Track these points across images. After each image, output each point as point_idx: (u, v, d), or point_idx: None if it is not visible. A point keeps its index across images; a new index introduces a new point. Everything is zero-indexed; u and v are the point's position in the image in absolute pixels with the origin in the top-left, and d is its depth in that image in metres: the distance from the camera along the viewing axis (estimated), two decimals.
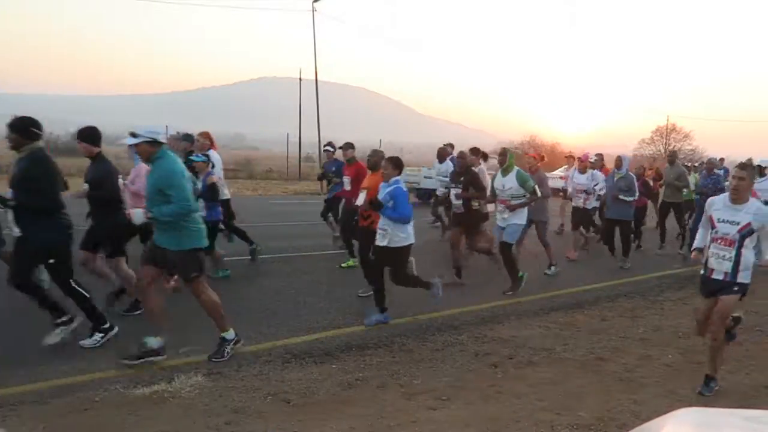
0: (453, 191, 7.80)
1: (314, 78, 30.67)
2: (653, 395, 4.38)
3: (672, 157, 11.99)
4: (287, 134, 32.72)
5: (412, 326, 5.97)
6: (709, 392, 4.48)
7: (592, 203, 10.08)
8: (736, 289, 4.42)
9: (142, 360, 4.59)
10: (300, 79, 35.93)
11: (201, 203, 6.38)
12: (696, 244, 4.83)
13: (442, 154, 10.71)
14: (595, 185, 9.96)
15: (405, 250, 5.98)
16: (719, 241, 4.44)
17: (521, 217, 7.46)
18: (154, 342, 4.65)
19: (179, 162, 4.69)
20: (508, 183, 7.39)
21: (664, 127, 53.07)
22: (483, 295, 7.32)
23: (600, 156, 10.84)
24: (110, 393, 4.06)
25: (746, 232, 4.36)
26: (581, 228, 10.36)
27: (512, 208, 7.35)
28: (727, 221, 4.41)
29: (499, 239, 7.46)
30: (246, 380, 4.39)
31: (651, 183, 12.62)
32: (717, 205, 4.52)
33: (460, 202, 7.72)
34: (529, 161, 8.93)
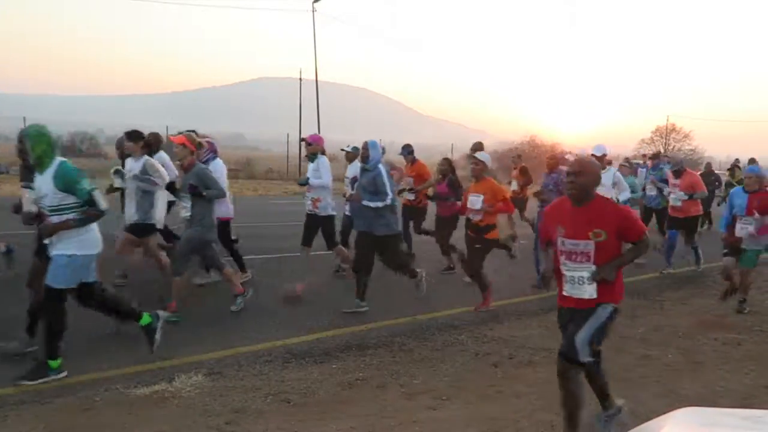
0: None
1: (314, 78, 30.69)
2: (653, 395, 4.38)
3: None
4: (287, 134, 32.75)
5: (412, 326, 5.97)
6: None
7: (327, 208, 7.10)
8: None
9: None
10: (300, 79, 35.99)
11: None
12: None
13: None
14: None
15: None
16: None
17: (67, 245, 4.23)
18: None
19: None
20: (44, 186, 4.20)
21: (664, 127, 53.12)
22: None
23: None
24: (110, 393, 4.06)
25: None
26: (338, 244, 7.51)
27: (50, 233, 4.22)
28: None
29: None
30: (246, 380, 4.39)
31: (517, 187, 10.07)
32: None
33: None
34: (178, 150, 5.91)
